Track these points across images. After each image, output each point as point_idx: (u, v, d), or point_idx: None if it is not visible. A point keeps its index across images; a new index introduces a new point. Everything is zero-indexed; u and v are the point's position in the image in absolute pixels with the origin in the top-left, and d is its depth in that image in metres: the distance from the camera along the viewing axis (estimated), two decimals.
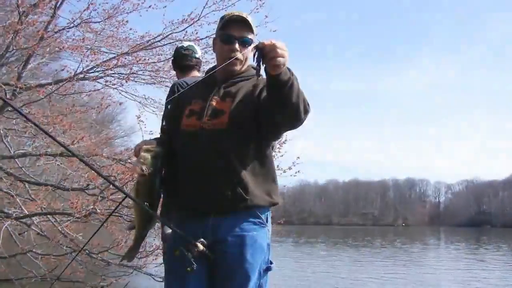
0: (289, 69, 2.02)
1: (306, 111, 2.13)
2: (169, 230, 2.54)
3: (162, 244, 3.72)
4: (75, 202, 7.13)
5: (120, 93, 8.64)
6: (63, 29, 7.39)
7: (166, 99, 2.88)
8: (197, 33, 7.78)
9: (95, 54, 7.53)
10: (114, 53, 8.11)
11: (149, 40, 8.08)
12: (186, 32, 7.84)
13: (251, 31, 2.32)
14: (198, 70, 3.80)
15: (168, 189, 2.41)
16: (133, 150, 2.41)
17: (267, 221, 2.35)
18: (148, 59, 8.29)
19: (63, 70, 7.59)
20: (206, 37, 7.80)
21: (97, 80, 8.20)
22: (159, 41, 8.09)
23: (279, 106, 2.08)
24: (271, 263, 2.34)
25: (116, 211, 6.38)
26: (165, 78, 8.72)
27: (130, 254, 2.56)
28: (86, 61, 7.45)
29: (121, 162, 8.20)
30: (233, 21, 2.31)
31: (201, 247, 2.20)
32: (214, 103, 2.31)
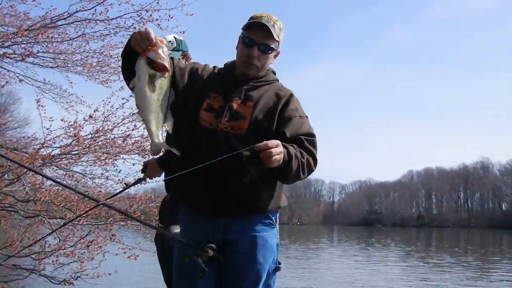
0: (287, 149, 2.07)
1: (310, 173, 2.26)
2: (177, 230, 2.53)
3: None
4: None
5: (17, 76, 7.77)
6: None
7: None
8: (107, 12, 7.07)
9: None
10: (12, 31, 7.21)
11: (53, 17, 7.26)
12: (95, 10, 7.08)
13: (275, 38, 2.25)
14: None
15: (177, 185, 2.38)
16: (138, 33, 2.08)
17: (276, 222, 2.38)
18: (52, 39, 7.45)
19: None
20: (117, 17, 7.11)
21: None
22: (64, 19, 7.28)
23: (279, 176, 2.23)
24: (279, 263, 2.38)
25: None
26: (67, 61, 7.92)
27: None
28: None
29: (16, 151, 7.39)
30: (258, 25, 2.23)
31: (211, 252, 2.19)
32: (234, 104, 2.27)
